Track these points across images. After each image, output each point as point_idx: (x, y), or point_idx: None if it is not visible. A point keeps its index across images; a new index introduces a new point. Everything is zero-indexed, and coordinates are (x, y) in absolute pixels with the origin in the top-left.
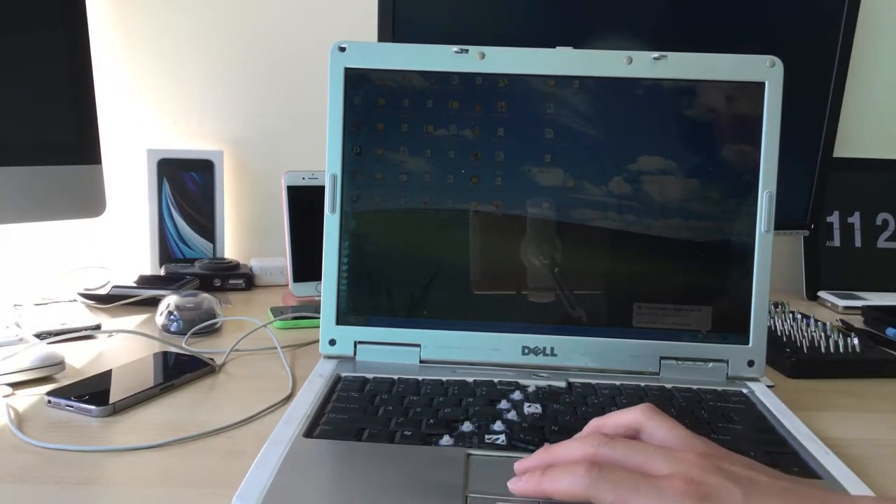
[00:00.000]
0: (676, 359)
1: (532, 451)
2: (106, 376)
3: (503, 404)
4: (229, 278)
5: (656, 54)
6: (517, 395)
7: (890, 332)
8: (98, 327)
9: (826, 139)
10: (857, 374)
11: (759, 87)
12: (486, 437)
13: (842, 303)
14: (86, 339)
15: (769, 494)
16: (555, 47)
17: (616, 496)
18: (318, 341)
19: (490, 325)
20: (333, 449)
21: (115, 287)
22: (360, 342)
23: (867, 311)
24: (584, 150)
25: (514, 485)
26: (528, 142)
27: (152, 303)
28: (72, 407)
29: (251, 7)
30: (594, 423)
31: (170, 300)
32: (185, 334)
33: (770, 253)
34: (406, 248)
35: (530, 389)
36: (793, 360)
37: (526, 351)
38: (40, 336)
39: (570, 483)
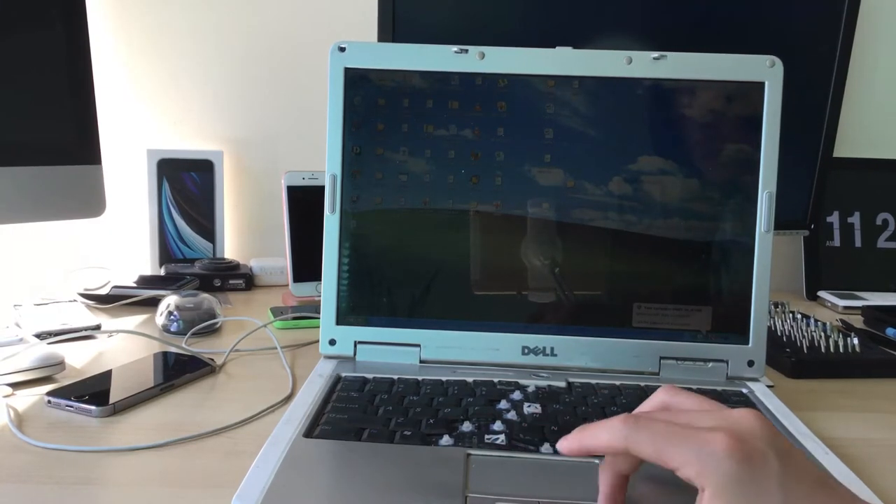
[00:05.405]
0: (676, 359)
1: (532, 451)
2: (106, 376)
3: (503, 404)
4: (229, 278)
5: (656, 54)
6: (517, 395)
7: (890, 332)
8: (98, 327)
9: (826, 139)
10: (857, 374)
11: (759, 87)
12: (486, 437)
13: (842, 303)
14: (86, 339)
15: (802, 478)
16: (555, 47)
17: (654, 448)
18: (318, 341)
19: (490, 325)
20: (333, 449)
21: (115, 287)
22: (360, 342)
23: (867, 311)
24: (584, 150)
25: (560, 444)
26: (528, 142)
27: (152, 303)
28: (72, 407)
29: (251, 7)
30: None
31: (170, 300)
32: (185, 334)
33: (770, 253)
34: (406, 248)
35: (530, 389)
36: (793, 360)
37: (526, 351)
38: (40, 336)
39: (608, 435)
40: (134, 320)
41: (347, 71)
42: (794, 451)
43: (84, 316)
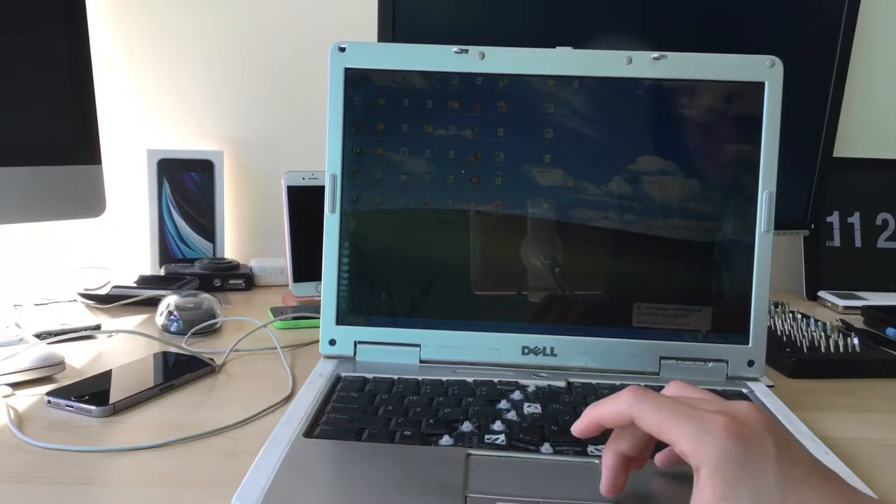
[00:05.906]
0: (676, 359)
1: (532, 451)
2: (106, 376)
3: (503, 404)
4: (229, 278)
5: (656, 54)
6: (517, 395)
7: (890, 332)
8: (98, 327)
9: (826, 139)
10: (857, 374)
11: (759, 87)
12: (486, 437)
13: (842, 303)
14: (86, 339)
15: (797, 462)
16: (555, 47)
17: (657, 418)
18: (318, 341)
19: (490, 325)
20: (333, 449)
21: (115, 287)
22: (360, 342)
23: (867, 311)
24: (584, 150)
25: (573, 428)
26: (528, 142)
27: (152, 303)
28: (72, 407)
29: (251, 7)
30: None
31: (170, 300)
32: (185, 334)
33: (770, 253)
34: (406, 249)
35: (530, 389)
36: (793, 360)
37: (526, 351)
38: (40, 336)
39: (615, 405)
40: (134, 320)
41: (347, 71)
42: (790, 439)
43: (84, 316)
